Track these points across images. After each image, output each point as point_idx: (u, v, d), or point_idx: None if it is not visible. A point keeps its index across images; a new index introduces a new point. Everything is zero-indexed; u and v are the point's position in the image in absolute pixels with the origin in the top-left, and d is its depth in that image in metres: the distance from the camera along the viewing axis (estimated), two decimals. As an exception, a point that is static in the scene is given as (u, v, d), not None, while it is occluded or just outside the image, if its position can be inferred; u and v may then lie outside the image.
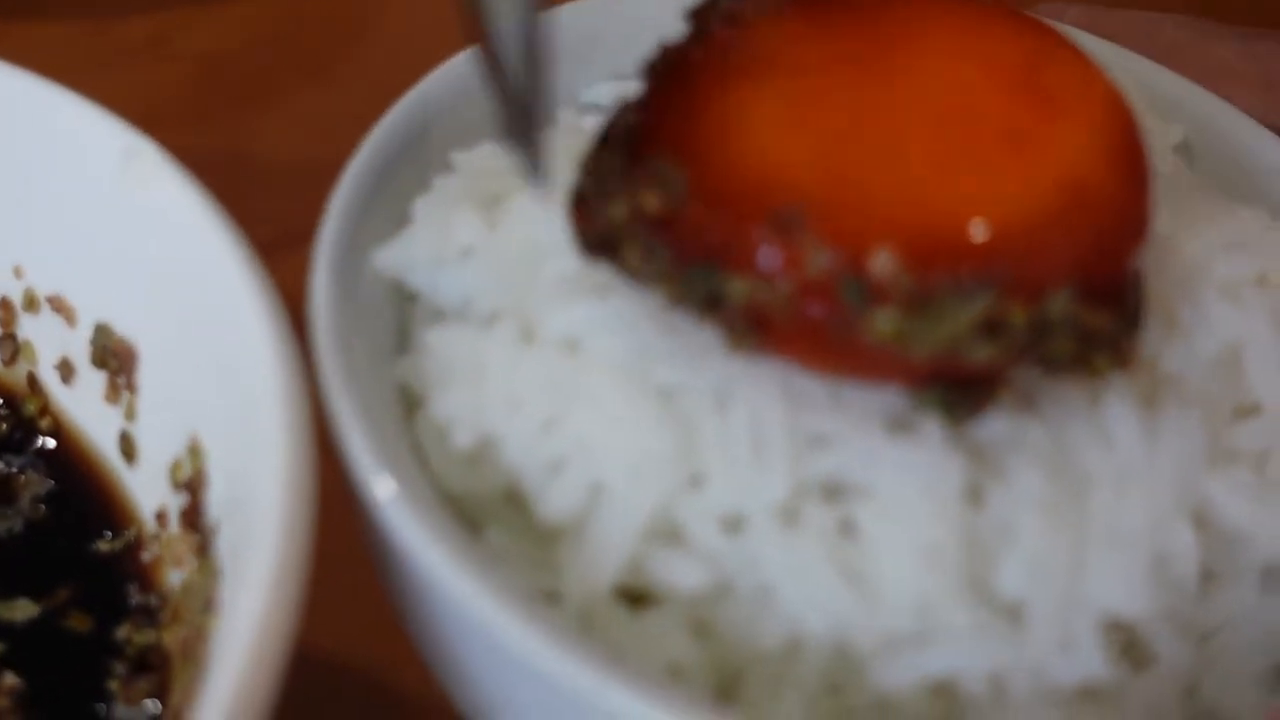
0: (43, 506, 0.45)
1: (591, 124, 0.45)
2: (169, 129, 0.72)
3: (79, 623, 0.43)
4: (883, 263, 0.36)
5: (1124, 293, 0.38)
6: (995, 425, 0.38)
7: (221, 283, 0.40)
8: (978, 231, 0.36)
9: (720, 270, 0.37)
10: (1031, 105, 0.38)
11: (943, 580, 0.36)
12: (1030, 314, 0.36)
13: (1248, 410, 0.40)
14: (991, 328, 0.36)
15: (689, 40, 0.41)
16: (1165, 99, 0.50)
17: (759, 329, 0.37)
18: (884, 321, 0.36)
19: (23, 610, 0.43)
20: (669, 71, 0.40)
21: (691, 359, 0.38)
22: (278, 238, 0.46)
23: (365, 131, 0.47)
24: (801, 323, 0.37)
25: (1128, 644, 0.39)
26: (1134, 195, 0.39)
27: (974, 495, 0.37)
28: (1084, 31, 0.52)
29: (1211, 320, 0.40)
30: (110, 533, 0.44)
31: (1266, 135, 0.49)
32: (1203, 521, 0.39)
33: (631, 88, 0.42)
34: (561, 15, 0.49)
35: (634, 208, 0.38)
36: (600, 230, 0.39)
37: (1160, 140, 0.47)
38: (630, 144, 0.40)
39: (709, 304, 0.37)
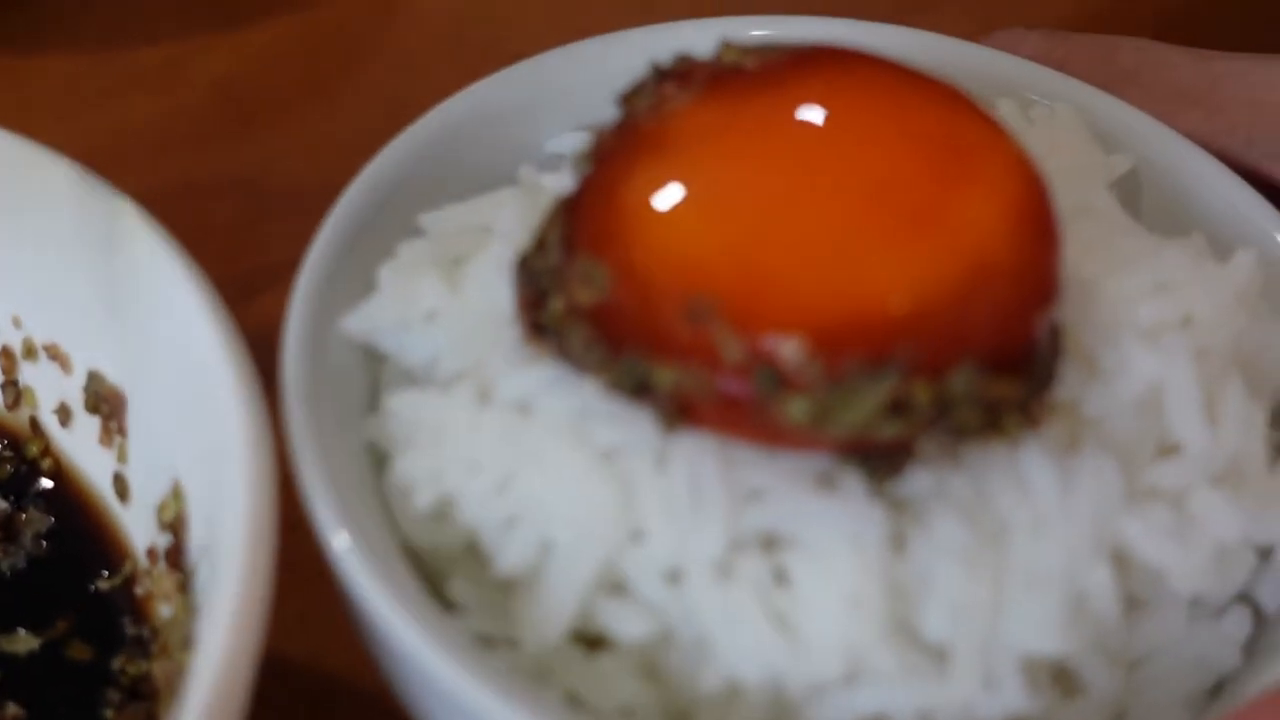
0: (44, 543, 0.48)
1: (551, 180, 0.47)
2: (181, 154, 0.75)
3: (79, 653, 0.46)
4: (792, 351, 0.38)
5: (1030, 358, 0.40)
6: (917, 478, 0.40)
7: (194, 337, 0.43)
8: (883, 315, 0.38)
9: (647, 360, 0.40)
10: (940, 181, 0.40)
11: (867, 626, 0.38)
12: (934, 391, 0.38)
13: (1170, 450, 0.42)
14: (897, 407, 0.38)
15: (616, 127, 0.43)
16: (1114, 128, 0.51)
17: (686, 412, 0.39)
18: (796, 409, 0.38)
19: (24, 643, 0.46)
20: (598, 160, 0.42)
21: (632, 420, 0.41)
22: (289, 258, 0.49)
23: (372, 153, 0.50)
24: (724, 406, 0.39)
25: (1057, 673, 0.41)
26: (1040, 262, 0.40)
27: (897, 544, 0.39)
28: (1037, 63, 0.54)
29: (1132, 365, 0.42)
30: (107, 570, 0.47)
31: (1212, 163, 0.50)
32: (1124, 558, 0.40)
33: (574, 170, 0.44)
34: (526, 68, 0.52)
35: (569, 303, 0.41)
36: (541, 320, 0.41)
37: (1099, 176, 0.48)
38: (565, 237, 0.42)
39: (639, 391, 0.40)
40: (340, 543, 0.41)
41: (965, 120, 0.42)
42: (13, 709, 0.44)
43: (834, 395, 0.38)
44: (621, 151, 0.42)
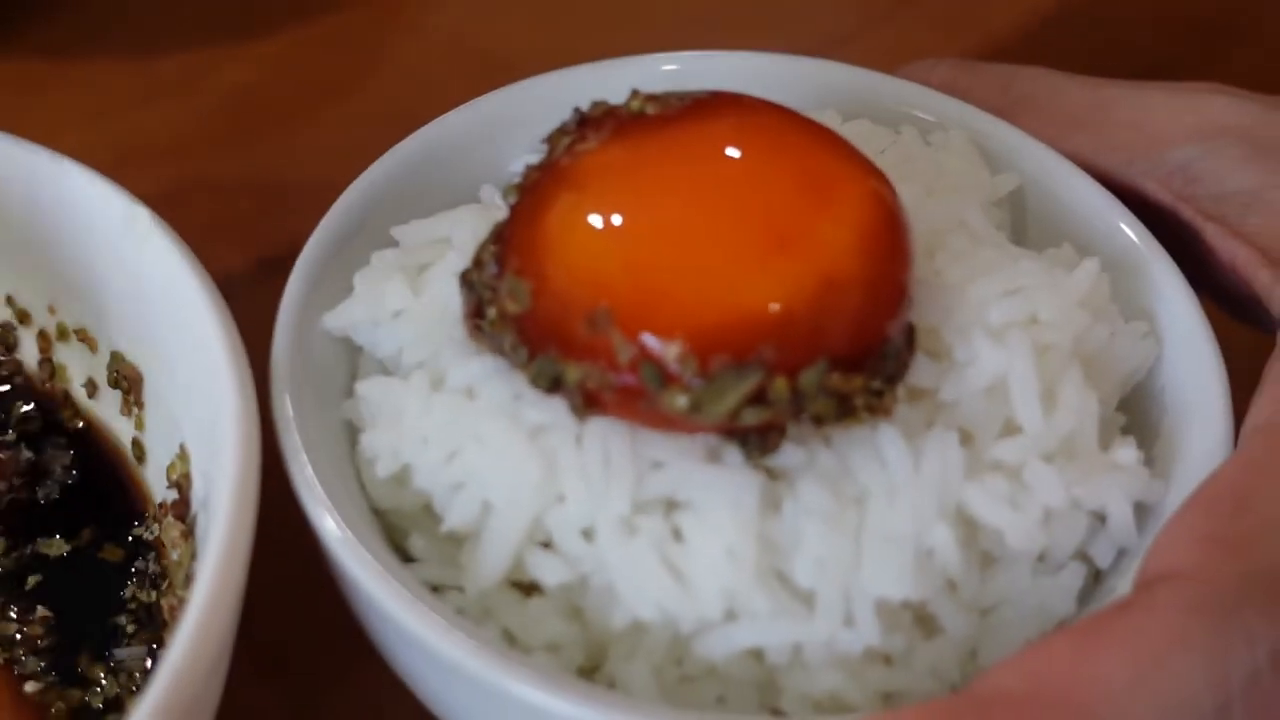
0: (74, 472, 0.56)
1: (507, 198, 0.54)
2: (201, 156, 0.82)
3: (110, 554, 0.54)
4: (672, 353, 0.46)
5: (880, 355, 0.47)
6: (792, 454, 0.47)
7: (197, 327, 0.50)
8: (749, 323, 0.46)
9: (559, 360, 0.47)
10: (803, 209, 0.47)
11: (742, 573, 0.46)
12: (789, 386, 0.46)
13: (1013, 430, 0.49)
14: (759, 398, 0.46)
15: (540, 164, 0.50)
16: (1004, 150, 0.58)
17: (592, 402, 0.47)
18: (676, 400, 0.46)
19: (57, 547, 0.54)
20: (524, 192, 0.50)
21: (556, 405, 0.48)
22: (296, 250, 0.56)
23: (375, 157, 0.58)
24: (622, 398, 0.47)
25: (920, 617, 0.48)
26: (889, 276, 0.48)
27: (773, 507, 0.47)
28: (939, 91, 0.60)
29: (981, 357, 0.49)
30: (128, 511, 0.55)
31: (1089, 181, 0.57)
32: (972, 522, 0.48)
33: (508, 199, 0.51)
34: (493, 98, 0.59)
35: (501, 311, 0.49)
36: (481, 325, 0.50)
37: (979, 194, 0.55)
38: (497, 256, 0.50)
39: (553, 386, 0.48)
40: (314, 506, 0.49)
41: (830, 156, 0.49)
42: (43, 611, 0.53)
43: (706, 389, 0.46)
44: (542, 185, 0.49)
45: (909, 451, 0.47)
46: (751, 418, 0.46)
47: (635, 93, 0.51)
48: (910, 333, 0.49)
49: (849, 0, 0.82)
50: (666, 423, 0.47)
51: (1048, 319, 0.50)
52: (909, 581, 0.46)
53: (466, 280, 0.51)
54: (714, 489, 0.47)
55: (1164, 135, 0.58)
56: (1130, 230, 0.56)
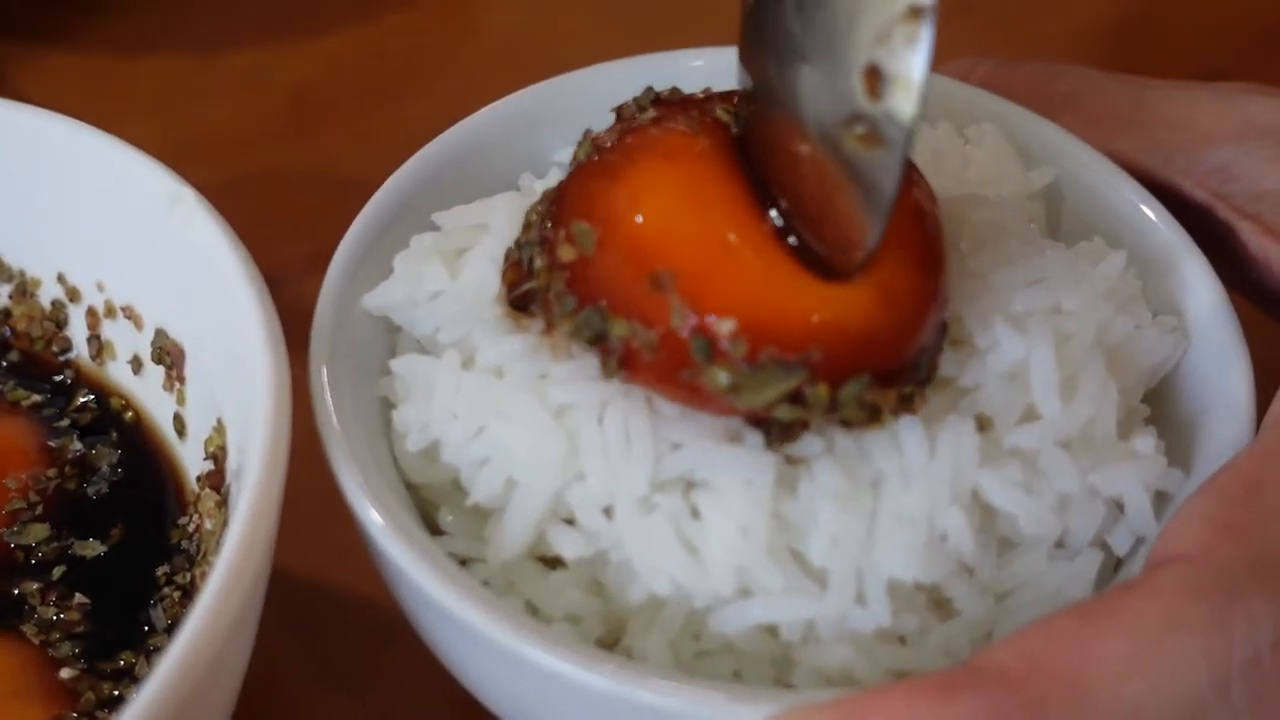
0: (120, 470, 0.58)
1: (544, 185, 0.56)
2: (262, 150, 0.84)
3: (133, 557, 0.56)
4: (726, 331, 0.46)
5: (916, 365, 0.48)
6: (811, 440, 0.48)
7: (237, 304, 0.52)
8: (803, 326, 0.47)
9: (607, 314, 0.48)
10: None
11: (754, 550, 0.47)
12: (829, 393, 0.47)
13: (1032, 416, 0.49)
14: (796, 397, 0.47)
15: (612, 131, 0.52)
16: (1042, 147, 0.58)
17: (629, 364, 0.48)
18: (719, 377, 0.47)
19: (92, 549, 0.55)
20: (595, 155, 0.51)
21: (580, 383, 0.49)
22: None
23: None
24: (662, 362, 0.48)
25: (937, 600, 0.49)
26: (933, 289, 0.48)
27: (789, 488, 0.48)
28: (982, 89, 0.61)
29: (1002, 344, 0.49)
30: (171, 501, 0.57)
31: (1125, 179, 0.57)
32: (989, 508, 0.48)
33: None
34: (536, 91, 0.61)
35: (552, 258, 0.49)
36: (522, 287, 0.51)
37: (1011, 188, 0.56)
38: (554, 208, 0.51)
39: (595, 340, 0.49)
40: (346, 479, 0.50)
41: None
42: (79, 597, 0.54)
43: (749, 376, 0.47)
44: (625, 146, 0.50)
45: (925, 437, 0.48)
46: (784, 414, 0.47)
47: (708, 89, 0.52)
48: (943, 334, 0.49)
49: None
50: (697, 398, 0.48)
51: (1071, 309, 0.51)
52: (920, 564, 0.47)
53: (514, 247, 0.52)
54: (730, 469, 0.48)
55: (1204, 135, 0.58)
56: (1164, 226, 0.56)
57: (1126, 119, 0.60)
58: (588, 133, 0.52)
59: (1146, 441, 0.50)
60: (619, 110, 0.53)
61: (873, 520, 0.47)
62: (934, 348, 0.49)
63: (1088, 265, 0.52)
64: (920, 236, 0.49)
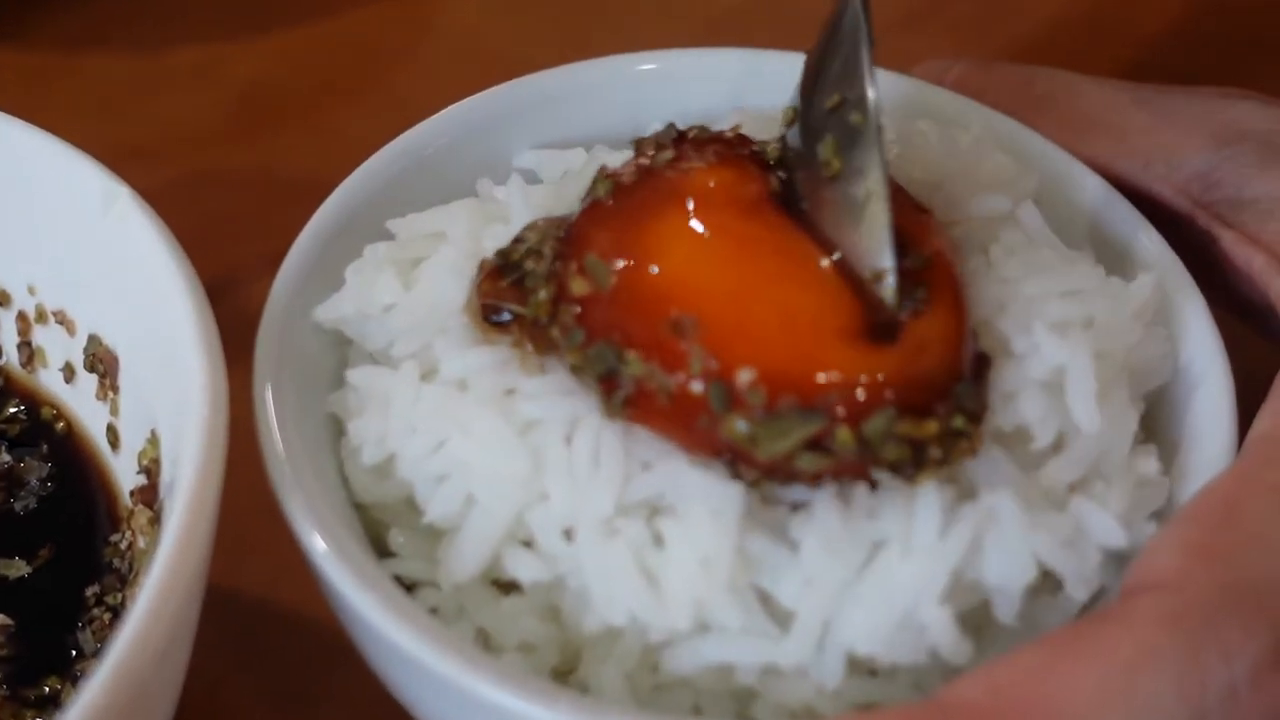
0: (50, 484, 0.55)
1: (501, 192, 0.54)
2: (211, 150, 0.82)
3: (59, 579, 0.53)
4: (745, 379, 0.45)
5: (952, 395, 0.46)
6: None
7: (172, 309, 0.49)
8: (823, 377, 0.45)
9: (622, 353, 0.46)
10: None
11: (714, 586, 0.44)
12: (855, 434, 0.45)
13: (1068, 436, 0.47)
14: (817, 445, 0.44)
15: (632, 169, 0.50)
16: (1020, 154, 0.56)
17: (638, 404, 0.46)
18: (737, 425, 0.45)
19: (16, 569, 0.52)
20: (626, 188, 0.49)
21: (551, 398, 0.47)
22: None
23: None
24: (676, 408, 0.46)
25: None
26: (957, 329, 0.47)
27: (767, 523, 0.45)
28: (956, 92, 0.59)
29: (1042, 349, 0.47)
30: (105, 517, 0.54)
31: (1104, 187, 0.55)
32: (979, 589, 0.45)
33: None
34: (497, 93, 0.58)
35: (561, 290, 0.48)
36: (506, 305, 0.49)
37: (1023, 188, 0.54)
38: (571, 246, 0.49)
39: (605, 377, 0.47)
40: (290, 502, 0.48)
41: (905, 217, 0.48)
42: (2, 618, 0.51)
43: (767, 424, 0.45)
44: (652, 185, 0.49)
45: (940, 514, 0.45)
46: (809, 464, 0.45)
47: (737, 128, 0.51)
48: (983, 366, 0.47)
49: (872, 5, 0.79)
50: (713, 448, 0.46)
51: (1104, 325, 0.49)
52: (885, 643, 0.44)
53: (502, 259, 0.50)
54: (697, 496, 0.45)
55: (1183, 140, 0.57)
56: (1143, 236, 0.54)
57: (1103, 123, 0.58)
58: (603, 169, 0.51)
59: (1149, 463, 0.48)
60: (638, 145, 0.51)
61: (855, 579, 0.44)
62: (970, 378, 0.47)
63: (1119, 282, 0.51)
64: (941, 280, 0.47)
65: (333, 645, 0.54)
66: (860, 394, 0.45)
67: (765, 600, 0.45)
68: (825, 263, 0.47)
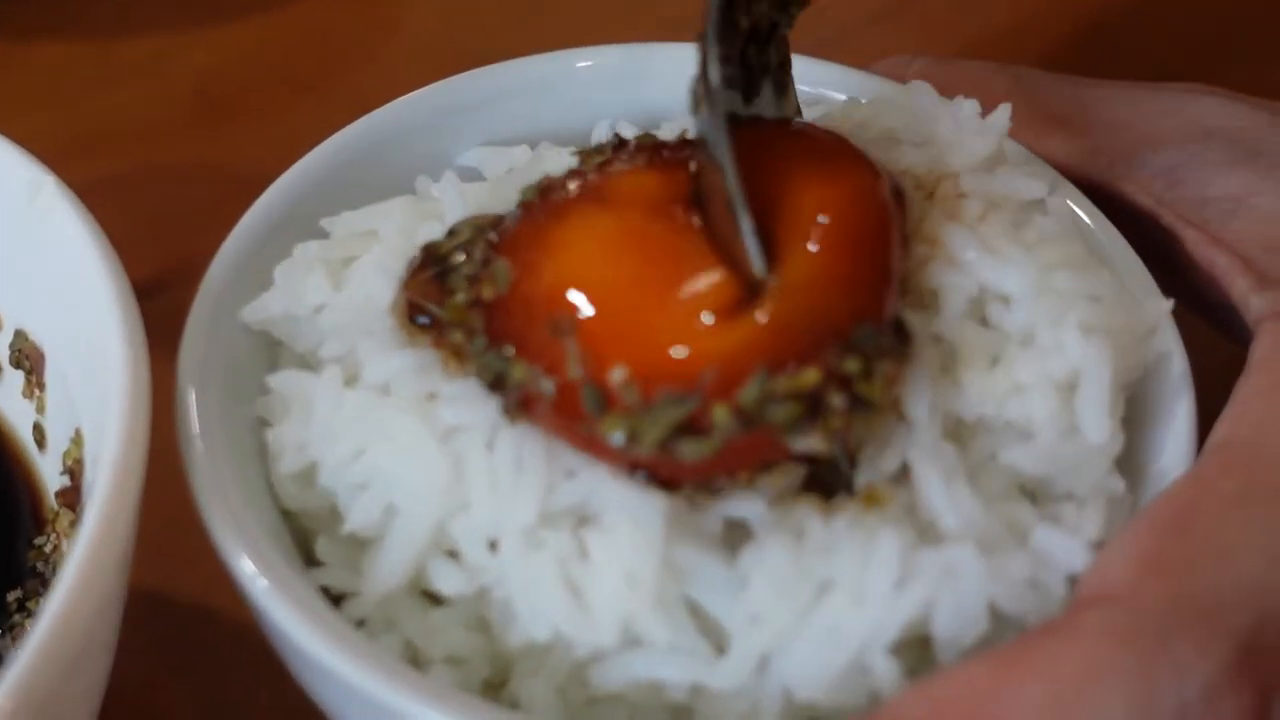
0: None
1: (438, 190, 0.52)
2: (162, 142, 0.80)
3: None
4: (618, 377, 0.43)
5: (845, 347, 0.44)
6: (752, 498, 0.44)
7: (96, 303, 0.47)
8: (682, 353, 0.44)
9: (510, 358, 0.45)
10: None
11: (640, 600, 0.43)
12: (730, 408, 0.43)
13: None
14: (695, 429, 0.43)
15: (563, 177, 0.49)
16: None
17: (527, 408, 0.45)
18: (611, 427, 0.43)
19: None
20: (541, 197, 0.48)
21: (472, 403, 0.46)
22: None
23: None
24: (557, 410, 0.44)
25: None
26: (827, 276, 0.45)
27: (728, 551, 0.44)
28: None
29: (1067, 348, 0.46)
30: (31, 520, 0.52)
31: (1062, 183, 0.54)
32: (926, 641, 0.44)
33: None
34: (441, 88, 0.57)
35: (475, 296, 0.46)
36: (427, 305, 0.48)
37: (1043, 175, 0.52)
38: (493, 250, 0.48)
39: (496, 383, 0.45)
40: (208, 510, 0.46)
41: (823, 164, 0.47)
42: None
43: (641, 416, 0.43)
44: (562, 192, 0.48)
45: (898, 565, 0.43)
46: (693, 451, 0.43)
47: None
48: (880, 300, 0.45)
49: (835, 5, 0.78)
50: (596, 449, 0.44)
51: (1119, 342, 0.47)
52: (828, 688, 0.43)
53: (431, 252, 0.49)
54: (621, 505, 0.44)
55: (1147, 137, 0.55)
56: (1103, 234, 0.53)
57: (1064, 119, 0.57)
58: (546, 176, 0.49)
59: (1115, 482, 0.46)
60: (581, 154, 0.50)
61: (802, 620, 0.43)
62: (869, 319, 0.44)
63: (1133, 297, 0.49)
64: (833, 225, 0.46)
65: (270, 653, 0.52)
66: (726, 364, 0.43)
67: (696, 612, 0.44)
68: (708, 251, 0.46)
